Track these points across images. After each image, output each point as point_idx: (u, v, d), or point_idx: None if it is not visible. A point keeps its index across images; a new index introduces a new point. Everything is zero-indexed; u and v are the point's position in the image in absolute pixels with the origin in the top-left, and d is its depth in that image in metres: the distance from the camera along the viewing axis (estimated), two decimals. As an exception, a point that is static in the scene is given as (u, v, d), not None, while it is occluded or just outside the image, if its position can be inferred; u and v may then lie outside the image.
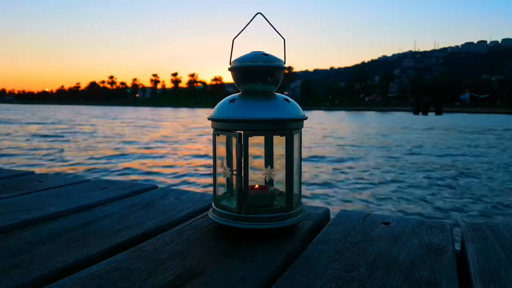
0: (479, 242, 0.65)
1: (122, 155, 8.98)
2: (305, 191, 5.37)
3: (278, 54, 0.70)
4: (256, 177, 0.73)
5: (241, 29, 0.70)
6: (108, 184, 1.05)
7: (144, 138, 13.16)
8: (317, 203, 4.56)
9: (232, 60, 0.70)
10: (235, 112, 0.66)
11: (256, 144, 0.71)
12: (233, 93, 0.71)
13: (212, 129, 0.70)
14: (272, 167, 0.72)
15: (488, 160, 9.09)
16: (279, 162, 0.71)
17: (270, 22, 0.70)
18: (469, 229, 0.71)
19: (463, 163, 8.60)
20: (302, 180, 0.74)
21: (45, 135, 13.52)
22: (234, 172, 0.66)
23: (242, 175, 0.65)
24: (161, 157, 8.90)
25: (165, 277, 0.51)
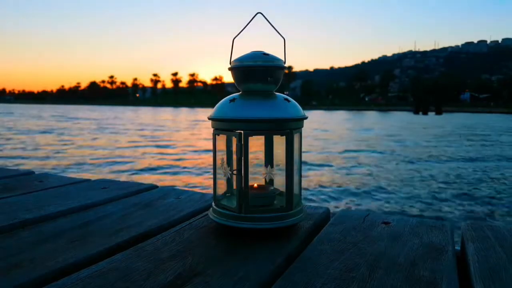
0: (479, 242, 0.65)
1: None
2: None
3: (278, 54, 0.70)
4: (256, 177, 0.73)
5: (241, 29, 0.70)
6: (108, 184, 1.05)
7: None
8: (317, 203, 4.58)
9: (232, 59, 0.70)
10: (235, 111, 0.66)
11: (256, 144, 0.71)
12: (233, 93, 0.71)
13: (212, 128, 0.70)
14: (272, 167, 0.72)
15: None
16: (279, 162, 0.71)
17: (270, 22, 0.70)
18: (469, 229, 0.71)
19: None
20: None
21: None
22: (234, 172, 0.66)
23: (242, 175, 0.65)
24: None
25: (165, 277, 0.51)
